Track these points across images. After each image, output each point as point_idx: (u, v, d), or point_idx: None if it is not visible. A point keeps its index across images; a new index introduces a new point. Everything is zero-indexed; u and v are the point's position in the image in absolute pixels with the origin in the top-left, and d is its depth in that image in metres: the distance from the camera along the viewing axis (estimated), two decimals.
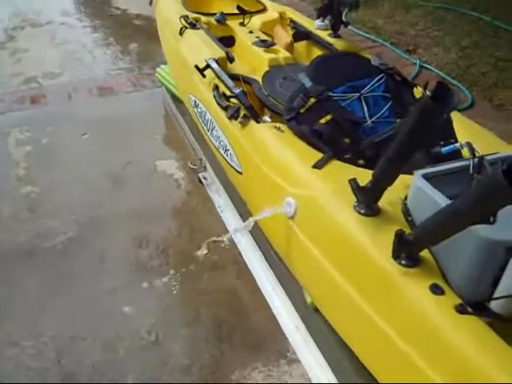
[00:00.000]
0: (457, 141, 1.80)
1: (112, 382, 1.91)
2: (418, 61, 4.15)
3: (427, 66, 4.12)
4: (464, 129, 1.97)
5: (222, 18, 3.22)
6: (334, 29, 2.98)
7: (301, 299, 2.04)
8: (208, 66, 2.50)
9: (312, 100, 2.02)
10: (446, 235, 1.21)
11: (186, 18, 3.08)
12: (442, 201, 1.32)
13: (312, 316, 1.97)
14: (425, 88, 1.19)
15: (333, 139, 1.91)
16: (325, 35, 2.98)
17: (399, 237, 1.31)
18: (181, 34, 3.01)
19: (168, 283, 2.30)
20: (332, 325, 1.70)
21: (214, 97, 2.38)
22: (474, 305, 1.26)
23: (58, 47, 4.92)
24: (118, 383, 1.92)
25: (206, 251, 2.13)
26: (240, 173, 2.24)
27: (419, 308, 1.28)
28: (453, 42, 4.47)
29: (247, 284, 2.28)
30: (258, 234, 2.28)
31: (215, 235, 2.50)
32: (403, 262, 1.35)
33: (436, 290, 1.28)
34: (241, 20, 3.22)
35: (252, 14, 3.27)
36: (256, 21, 3.25)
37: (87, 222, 2.66)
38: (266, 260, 2.31)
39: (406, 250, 1.34)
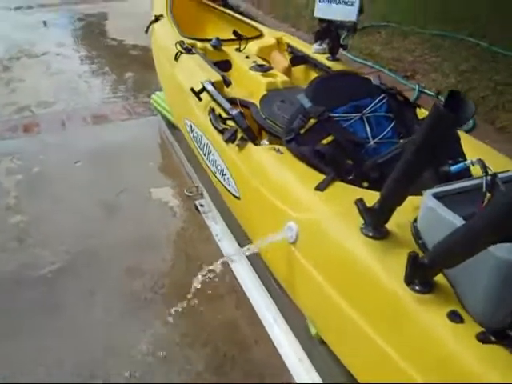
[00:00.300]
0: (465, 159, 1.71)
1: None
2: (417, 86, 4.11)
3: (426, 91, 4.08)
4: (471, 148, 1.89)
5: (218, 44, 3.18)
6: (332, 52, 2.94)
7: (304, 330, 1.93)
8: (204, 89, 2.44)
9: (312, 121, 1.94)
10: (465, 256, 1.10)
11: (181, 43, 3.04)
12: (457, 221, 1.22)
13: (317, 348, 1.85)
14: (437, 96, 1.10)
15: (335, 160, 1.82)
16: (323, 59, 2.93)
17: (413, 260, 1.20)
18: (176, 59, 2.96)
19: (163, 315, 2.17)
20: (339, 358, 1.58)
21: (210, 120, 2.31)
22: (495, 333, 1.15)
23: (53, 77, 4.89)
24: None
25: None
26: (238, 198, 2.14)
27: (437, 338, 1.16)
28: (451, 67, 4.44)
29: (247, 315, 2.16)
30: (256, 261, 2.18)
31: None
32: (417, 287, 1.25)
33: (454, 317, 1.17)
34: (237, 46, 3.18)
35: (248, 39, 3.23)
36: (252, 46, 3.21)
37: (78, 251, 2.54)
38: (267, 289, 2.20)
39: (420, 275, 1.23)
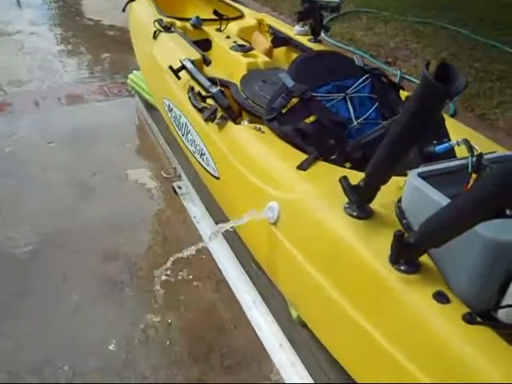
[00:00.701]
0: (450, 140, 1.68)
1: None
2: (399, 71, 4.09)
3: (408, 76, 4.06)
4: (455, 130, 1.86)
5: (198, 23, 3.10)
6: (314, 33, 2.88)
7: (285, 314, 1.88)
8: (183, 67, 2.36)
9: (294, 100, 1.89)
10: (452, 235, 1.07)
11: (160, 21, 2.95)
12: (443, 200, 1.19)
13: (298, 332, 1.81)
14: (427, 67, 1.05)
15: (318, 139, 1.77)
16: (305, 40, 2.88)
17: (398, 239, 1.16)
18: (155, 37, 2.87)
19: (139, 299, 2.11)
20: (322, 341, 1.54)
21: (190, 98, 2.23)
22: (481, 314, 1.12)
23: (27, 56, 4.72)
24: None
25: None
26: (217, 178, 2.08)
27: (423, 319, 1.13)
28: (432, 53, 4.43)
29: (225, 298, 2.11)
30: (236, 243, 2.13)
31: (190, 247, 2.32)
32: (402, 267, 1.21)
33: (441, 298, 1.14)
34: (217, 26, 3.11)
35: (229, 19, 3.16)
36: (233, 27, 3.14)
37: (51, 233, 2.46)
38: (246, 272, 2.15)
39: (406, 254, 1.20)
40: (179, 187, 2.78)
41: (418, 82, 3.44)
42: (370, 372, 1.32)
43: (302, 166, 1.65)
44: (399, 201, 1.39)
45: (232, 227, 1.82)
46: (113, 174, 2.96)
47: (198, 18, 3.11)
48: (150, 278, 2.21)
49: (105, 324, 2.01)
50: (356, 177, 1.37)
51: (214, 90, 2.12)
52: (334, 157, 1.76)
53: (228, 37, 2.95)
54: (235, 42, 2.83)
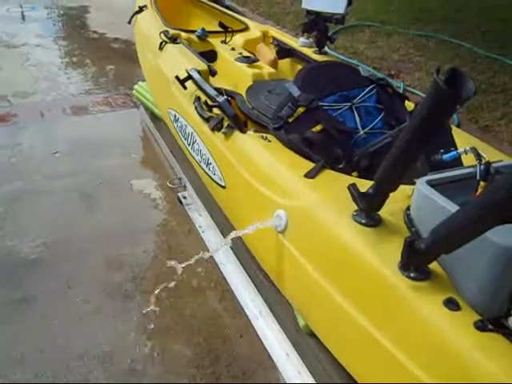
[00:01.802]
0: (457, 149, 1.68)
1: None
2: (402, 83, 4.10)
3: (411, 89, 4.07)
4: (462, 140, 1.86)
5: (204, 34, 3.13)
6: (319, 45, 2.90)
7: (292, 322, 1.86)
8: (189, 77, 2.37)
9: (301, 109, 1.89)
10: (464, 241, 1.06)
11: (166, 32, 2.98)
12: (452, 208, 1.18)
13: (306, 341, 1.79)
14: (437, 73, 1.06)
15: (325, 148, 1.78)
16: (309, 52, 2.90)
17: (409, 245, 1.16)
18: (160, 48, 2.90)
19: (143, 308, 2.09)
20: (330, 350, 1.53)
21: (196, 108, 2.24)
22: (492, 321, 1.11)
23: (32, 68, 4.77)
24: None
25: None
26: (223, 187, 2.08)
27: (434, 326, 1.12)
28: (435, 66, 4.43)
29: (231, 308, 2.10)
30: (241, 252, 2.12)
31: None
32: (412, 274, 1.21)
33: (451, 305, 1.14)
34: (222, 38, 3.13)
35: (234, 32, 3.18)
36: (238, 39, 3.17)
37: (55, 243, 2.45)
38: (252, 280, 2.14)
39: (416, 261, 1.19)
40: (184, 197, 2.78)
41: (421, 94, 3.44)
42: (379, 380, 1.31)
43: (310, 174, 1.65)
44: (408, 209, 1.39)
45: (239, 236, 1.82)
46: (117, 184, 2.96)
47: (203, 29, 3.14)
48: (155, 288, 2.18)
49: (109, 332, 1.99)
50: (363, 185, 1.37)
51: (221, 99, 2.13)
52: (341, 166, 1.76)
53: (233, 49, 2.97)
54: (240, 53, 2.86)
